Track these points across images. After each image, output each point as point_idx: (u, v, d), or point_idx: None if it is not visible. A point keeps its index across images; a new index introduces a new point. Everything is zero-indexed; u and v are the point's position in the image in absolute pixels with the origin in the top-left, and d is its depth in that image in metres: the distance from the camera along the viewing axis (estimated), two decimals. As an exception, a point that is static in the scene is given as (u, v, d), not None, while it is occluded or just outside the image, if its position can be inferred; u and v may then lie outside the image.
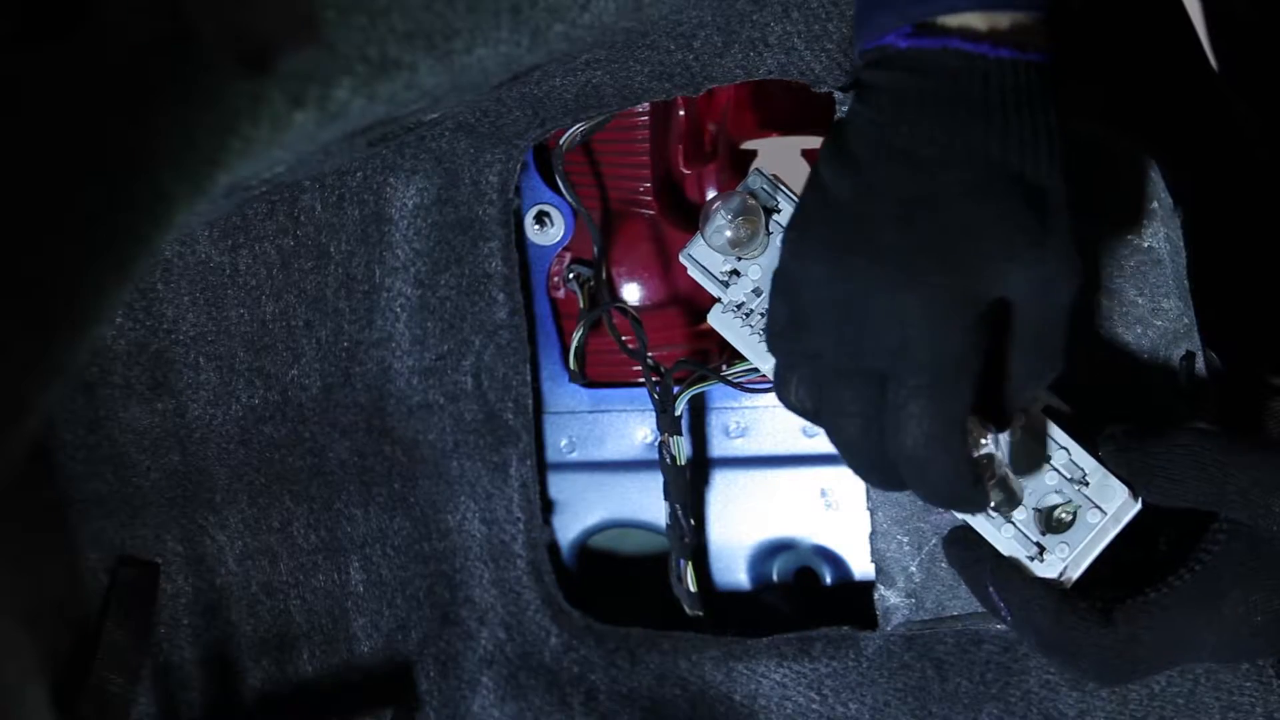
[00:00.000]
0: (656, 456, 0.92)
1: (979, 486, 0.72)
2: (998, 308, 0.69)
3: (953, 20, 0.67)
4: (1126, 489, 0.76)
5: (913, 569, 0.85)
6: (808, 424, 0.93)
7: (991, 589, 0.77)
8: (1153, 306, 0.82)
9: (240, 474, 0.93)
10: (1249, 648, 0.75)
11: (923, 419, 0.68)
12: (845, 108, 0.83)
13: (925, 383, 0.68)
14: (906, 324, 0.68)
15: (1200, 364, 0.82)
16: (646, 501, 0.96)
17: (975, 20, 0.67)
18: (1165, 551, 0.78)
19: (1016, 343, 0.70)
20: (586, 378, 0.95)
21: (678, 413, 0.90)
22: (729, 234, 0.81)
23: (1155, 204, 0.82)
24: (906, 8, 0.68)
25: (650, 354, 0.90)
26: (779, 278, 0.73)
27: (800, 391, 0.73)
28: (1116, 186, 0.82)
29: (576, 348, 0.93)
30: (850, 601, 0.93)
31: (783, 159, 0.97)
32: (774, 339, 0.74)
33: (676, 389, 0.90)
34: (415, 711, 0.95)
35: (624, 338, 0.91)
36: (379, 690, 0.95)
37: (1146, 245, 0.82)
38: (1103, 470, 0.77)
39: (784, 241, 0.72)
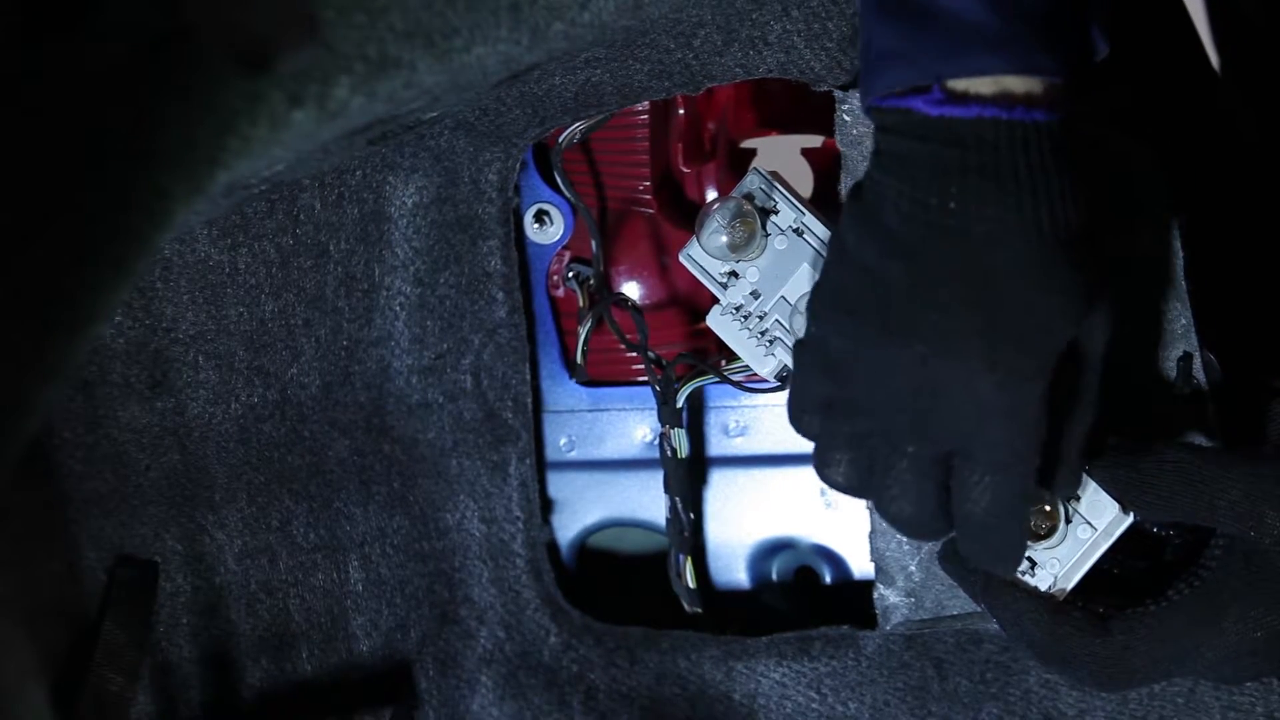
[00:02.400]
0: (656, 455, 0.92)
1: (1024, 550, 0.74)
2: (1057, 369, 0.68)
3: (985, 85, 0.64)
4: (1117, 504, 0.76)
5: (912, 568, 0.85)
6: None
7: (983, 603, 0.77)
8: (1150, 308, 0.82)
9: (239, 473, 0.93)
10: (1249, 667, 0.74)
11: (998, 492, 0.69)
12: (847, 108, 0.84)
13: (1000, 458, 0.68)
14: (983, 406, 0.67)
15: (1198, 366, 0.82)
16: (646, 500, 0.96)
17: (1014, 84, 0.65)
18: (1171, 561, 0.78)
19: (1070, 396, 0.70)
20: (586, 376, 0.95)
21: (679, 405, 0.90)
22: (724, 239, 0.81)
23: (1152, 204, 0.82)
24: (926, 64, 0.65)
25: (650, 350, 0.90)
26: (813, 355, 0.72)
27: (848, 471, 0.72)
28: (1114, 187, 0.82)
29: (584, 343, 0.93)
30: (850, 601, 0.93)
31: (782, 157, 0.97)
32: (807, 417, 0.73)
33: (677, 384, 0.90)
34: (414, 710, 0.95)
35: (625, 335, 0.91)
36: (378, 689, 0.95)
37: (1144, 246, 0.82)
38: (1093, 485, 0.77)
39: (826, 322, 0.71)
